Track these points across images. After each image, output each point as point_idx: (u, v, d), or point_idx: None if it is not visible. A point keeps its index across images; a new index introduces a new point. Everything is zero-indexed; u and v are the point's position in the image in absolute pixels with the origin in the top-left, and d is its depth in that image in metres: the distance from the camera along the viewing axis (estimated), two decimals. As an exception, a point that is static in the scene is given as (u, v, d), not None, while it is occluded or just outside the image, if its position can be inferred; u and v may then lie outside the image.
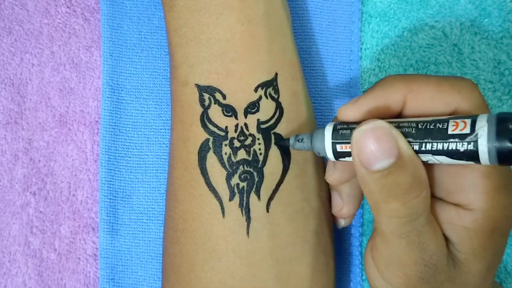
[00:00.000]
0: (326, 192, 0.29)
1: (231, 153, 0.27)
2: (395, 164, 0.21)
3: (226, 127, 0.27)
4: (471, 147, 0.20)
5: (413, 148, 0.22)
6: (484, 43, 0.33)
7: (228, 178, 0.27)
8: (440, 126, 0.21)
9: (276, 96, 0.27)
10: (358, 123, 0.23)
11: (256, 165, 0.27)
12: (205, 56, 0.27)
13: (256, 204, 0.27)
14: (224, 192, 0.26)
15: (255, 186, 0.27)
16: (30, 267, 0.33)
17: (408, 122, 0.22)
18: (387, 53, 0.34)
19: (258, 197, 0.27)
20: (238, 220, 0.26)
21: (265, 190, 0.27)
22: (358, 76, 0.34)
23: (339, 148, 0.24)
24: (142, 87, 0.33)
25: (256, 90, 0.27)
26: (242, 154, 0.27)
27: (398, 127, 0.22)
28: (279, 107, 0.27)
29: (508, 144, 0.19)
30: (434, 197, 0.24)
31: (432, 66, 0.33)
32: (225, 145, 0.27)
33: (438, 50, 0.34)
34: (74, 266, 0.33)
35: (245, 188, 0.26)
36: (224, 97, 0.27)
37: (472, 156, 0.20)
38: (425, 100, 0.23)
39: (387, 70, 0.34)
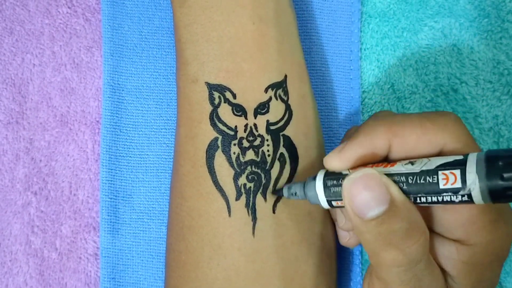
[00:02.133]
0: None
1: (240, 153, 0.27)
2: (389, 211, 0.21)
3: (236, 126, 0.27)
4: (465, 198, 0.20)
5: None
6: (483, 43, 0.34)
7: (236, 178, 0.27)
8: (431, 180, 0.21)
9: (285, 98, 0.27)
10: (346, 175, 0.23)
11: (264, 166, 0.27)
12: (216, 54, 0.27)
13: (263, 205, 0.27)
14: (231, 192, 0.27)
15: (262, 187, 0.27)
16: (31, 266, 0.33)
17: (398, 174, 0.22)
18: (387, 53, 0.34)
19: (265, 198, 0.27)
20: (244, 219, 0.26)
21: (271, 192, 0.27)
22: (358, 76, 0.34)
23: (334, 204, 0.24)
24: (143, 87, 0.34)
25: (266, 90, 0.27)
26: (250, 155, 0.27)
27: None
28: (288, 109, 0.27)
29: (500, 183, 0.19)
30: (432, 232, 0.24)
31: (432, 66, 0.34)
32: (234, 144, 0.27)
33: (437, 50, 0.34)
34: (75, 266, 0.33)
35: (252, 188, 0.27)
36: (234, 96, 0.27)
37: (467, 201, 0.20)
38: (411, 144, 0.23)
39: (386, 70, 0.34)
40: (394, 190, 0.21)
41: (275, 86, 0.27)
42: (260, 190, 0.27)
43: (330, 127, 0.34)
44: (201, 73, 0.27)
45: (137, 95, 0.33)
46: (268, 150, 0.27)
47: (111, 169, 0.33)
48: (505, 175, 0.19)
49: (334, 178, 0.24)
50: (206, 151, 0.27)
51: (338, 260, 0.30)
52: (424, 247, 0.22)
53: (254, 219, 0.26)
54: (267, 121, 0.27)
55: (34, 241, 0.33)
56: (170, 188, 0.29)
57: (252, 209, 0.26)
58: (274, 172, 0.27)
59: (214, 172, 0.27)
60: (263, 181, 0.27)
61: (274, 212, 0.27)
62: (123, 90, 0.33)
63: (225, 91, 0.27)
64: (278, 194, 0.27)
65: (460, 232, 0.23)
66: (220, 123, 0.27)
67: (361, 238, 0.22)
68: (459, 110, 0.33)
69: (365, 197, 0.21)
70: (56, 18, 0.35)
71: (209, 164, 0.27)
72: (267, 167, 0.27)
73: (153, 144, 0.33)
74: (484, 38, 0.34)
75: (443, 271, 0.24)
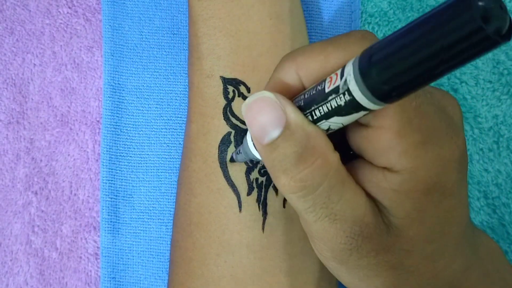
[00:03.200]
0: None
1: None
2: (283, 135, 0.19)
3: None
4: (347, 97, 0.18)
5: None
6: (483, 43, 0.34)
7: (248, 172, 0.27)
8: (320, 88, 0.19)
9: None
10: None
11: None
12: (233, 48, 0.27)
13: (273, 199, 0.27)
14: (242, 187, 0.27)
15: None
16: (32, 266, 0.33)
17: (300, 95, 0.20)
18: (387, 53, 0.34)
19: (276, 192, 0.27)
20: (254, 215, 0.26)
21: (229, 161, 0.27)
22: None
23: None
24: (143, 87, 0.34)
25: None
26: None
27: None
28: None
29: (374, 78, 0.16)
30: (364, 160, 0.22)
31: (432, 66, 0.34)
32: None
33: (437, 50, 0.34)
34: (75, 265, 0.33)
35: (263, 182, 0.27)
36: (248, 90, 0.27)
37: (358, 105, 0.18)
38: (315, 73, 0.21)
39: (386, 70, 0.34)
40: (290, 112, 0.20)
41: None
42: (272, 184, 0.27)
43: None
44: (217, 68, 0.27)
45: (137, 95, 0.34)
46: None
47: (112, 169, 0.33)
48: (379, 63, 0.16)
49: None
50: (219, 146, 0.27)
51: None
52: (321, 171, 0.20)
53: (265, 214, 0.26)
54: None
55: (35, 241, 0.33)
56: (178, 184, 0.29)
57: (263, 204, 0.26)
58: None
59: (226, 167, 0.27)
60: None
61: (284, 206, 0.27)
62: (123, 90, 0.33)
63: (239, 85, 0.27)
64: (231, 160, 0.27)
65: (383, 159, 0.20)
66: (234, 117, 0.27)
67: (265, 166, 0.21)
68: (459, 109, 0.33)
69: (261, 121, 0.20)
70: (56, 18, 0.35)
71: (221, 159, 0.27)
72: None
73: (154, 144, 0.33)
74: (484, 38, 0.34)
75: (377, 202, 0.21)
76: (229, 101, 0.27)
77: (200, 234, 0.27)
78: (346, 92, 0.18)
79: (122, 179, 0.33)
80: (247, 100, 0.20)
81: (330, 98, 0.19)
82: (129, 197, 0.33)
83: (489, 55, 0.34)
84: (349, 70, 0.17)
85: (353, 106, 0.18)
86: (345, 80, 0.18)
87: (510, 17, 0.14)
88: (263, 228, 0.26)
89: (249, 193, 0.27)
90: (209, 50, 0.28)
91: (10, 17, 0.35)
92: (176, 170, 0.33)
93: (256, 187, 0.27)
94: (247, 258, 0.26)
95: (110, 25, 0.34)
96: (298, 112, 0.20)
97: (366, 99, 0.17)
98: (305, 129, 0.20)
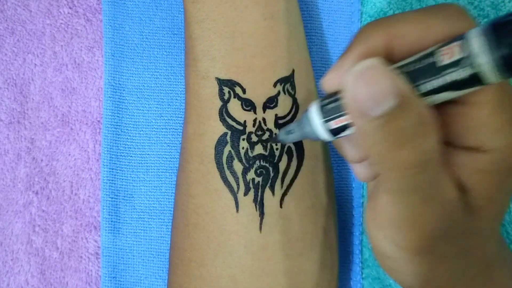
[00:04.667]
0: (333, 188, 0.29)
1: (248, 147, 0.27)
2: (399, 106, 0.18)
3: (245, 121, 0.27)
4: (470, 70, 0.17)
5: None
6: (482, 43, 0.34)
7: (244, 172, 0.27)
8: (429, 61, 0.18)
9: (293, 92, 0.28)
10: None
11: (272, 160, 0.27)
12: (227, 49, 0.27)
13: (270, 199, 0.27)
14: (239, 187, 0.27)
15: (270, 181, 0.27)
16: (33, 265, 0.33)
17: (400, 67, 0.19)
18: (387, 53, 0.34)
19: (273, 192, 0.27)
20: (251, 215, 0.26)
21: (280, 186, 0.27)
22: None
23: (333, 124, 0.21)
24: (144, 87, 0.34)
25: (275, 85, 0.27)
26: (259, 149, 0.27)
27: None
28: (295, 103, 0.28)
29: (508, 51, 0.16)
30: (443, 142, 0.21)
31: (431, 66, 0.34)
32: (243, 139, 0.27)
33: (437, 50, 0.34)
34: (76, 265, 0.33)
35: (260, 183, 0.27)
36: (244, 91, 0.27)
37: (476, 79, 0.17)
38: (412, 42, 0.20)
39: (386, 70, 0.34)
40: (403, 81, 0.18)
41: (283, 80, 0.27)
42: (268, 184, 0.27)
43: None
44: (212, 69, 0.27)
45: (138, 95, 0.34)
46: (276, 144, 0.27)
47: (112, 169, 0.33)
48: None
49: (331, 98, 0.21)
50: (215, 147, 0.27)
51: (339, 259, 0.30)
52: (435, 145, 0.19)
53: (262, 214, 0.26)
54: (276, 115, 0.27)
55: (36, 240, 0.33)
56: (176, 185, 0.29)
57: (260, 204, 0.27)
58: (282, 165, 0.27)
59: (223, 167, 0.27)
60: (271, 174, 0.27)
61: (281, 206, 0.27)
62: (124, 90, 0.34)
63: (235, 86, 0.27)
64: (273, 140, 0.26)
65: (472, 138, 0.20)
66: (230, 118, 0.27)
67: (368, 143, 0.19)
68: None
69: (371, 92, 0.18)
70: (57, 18, 0.35)
71: (218, 159, 0.27)
72: (275, 161, 0.27)
73: (154, 143, 0.33)
74: (484, 38, 0.34)
75: (459, 183, 0.21)
76: (225, 102, 0.27)
77: (198, 235, 0.27)
78: (470, 66, 0.17)
79: (122, 179, 0.33)
80: (356, 67, 0.18)
81: (446, 72, 0.18)
82: (129, 197, 0.33)
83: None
84: (476, 43, 0.17)
85: (473, 80, 0.17)
86: (470, 54, 0.17)
87: None
88: (260, 228, 0.26)
89: (245, 194, 0.27)
90: (204, 51, 0.28)
91: (11, 17, 0.35)
92: (176, 170, 0.33)
93: (253, 187, 0.27)
94: (245, 258, 0.26)
95: (110, 25, 0.34)
96: (408, 84, 0.19)
97: (494, 73, 0.17)
98: (418, 100, 0.19)
